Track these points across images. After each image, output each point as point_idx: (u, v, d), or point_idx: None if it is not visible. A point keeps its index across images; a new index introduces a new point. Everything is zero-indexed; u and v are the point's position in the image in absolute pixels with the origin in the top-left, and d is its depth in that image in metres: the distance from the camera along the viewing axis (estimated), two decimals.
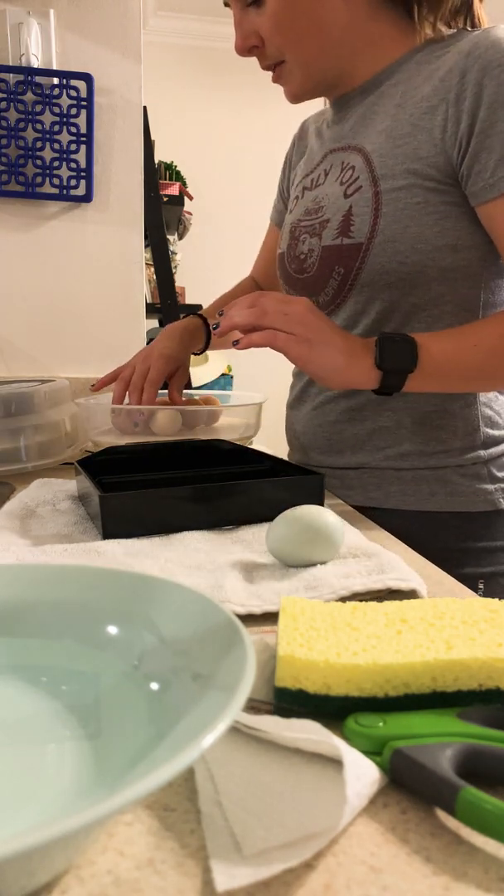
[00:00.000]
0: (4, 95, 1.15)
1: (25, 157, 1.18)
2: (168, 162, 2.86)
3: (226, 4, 0.80)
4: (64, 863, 0.23)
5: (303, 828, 0.24)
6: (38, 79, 1.16)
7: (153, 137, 1.99)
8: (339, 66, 0.79)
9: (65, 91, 1.17)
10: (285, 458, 0.91)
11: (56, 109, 1.18)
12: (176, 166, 2.87)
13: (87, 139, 1.20)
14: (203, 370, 2.51)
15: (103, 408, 0.95)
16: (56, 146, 1.19)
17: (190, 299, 3.00)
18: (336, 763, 0.28)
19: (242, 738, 0.30)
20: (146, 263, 1.92)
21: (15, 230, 1.22)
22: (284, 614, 0.37)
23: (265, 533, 0.52)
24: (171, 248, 2.74)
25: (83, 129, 1.19)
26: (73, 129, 1.19)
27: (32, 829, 0.19)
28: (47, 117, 1.18)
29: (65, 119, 1.18)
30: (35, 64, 1.16)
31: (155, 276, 1.82)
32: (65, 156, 1.19)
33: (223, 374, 2.61)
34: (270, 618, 0.43)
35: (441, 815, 0.26)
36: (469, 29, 0.76)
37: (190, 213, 3.06)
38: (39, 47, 1.16)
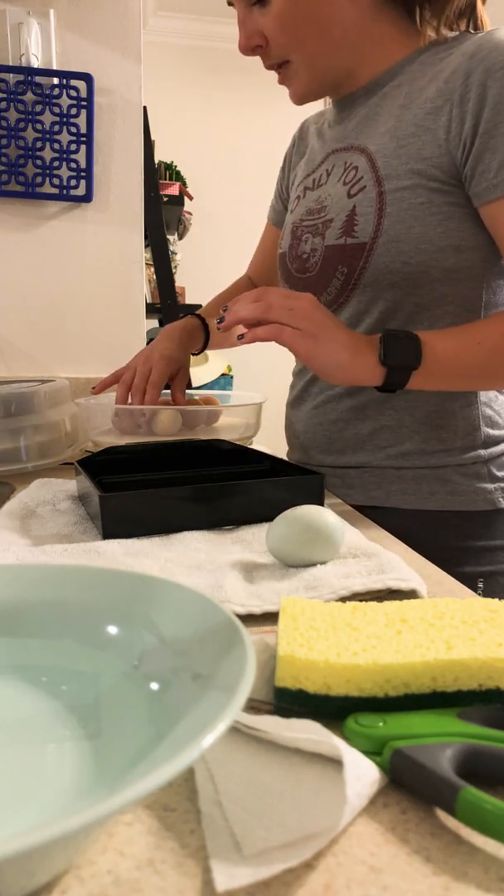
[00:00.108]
0: (4, 95, 1.15)
1: (25, 157, 1.18)
2: (168, 162, 2.86)
3: (229, 3, 0.80)
4: (64, 863, 0.23)
5: (303, 828, 0.24)
6: (38, 79, 1.16)
7: (153, 137, 1.99)
8: (343, 67, 0.79)
9: (65, 91, 1.17)
10: (285, 458, 0.91)
11: (56, 109, 1.18)
12: (176, 166, 2.87)
13: (87, 139, 1.20)
14: (203, 370, 2.51)
15: (103, 408, 0.95)
16: (56, 146, 1.19)
17: (190, 299, 3.00)
18: (336, 763, 0.28)
19: (242, 738, 0.30)
20: (146, 263, 1.92)
21: (15, 230, 1.22)
22: (284, 614, 0.37)
23: (265, 533, 0.52)
24: (171, 248, 2.74)
25: (83, 129, 1.19)
26: (73, 129, 1.19)
27: (32, 829, 0.19)
28: (47, 117, 1.18)
29: (65, 119, 1.18)
30: (35, 64, 1.16)
31: (155, 276, 1.82)
32: (65, 156, 1.19)
33: (223, 374, 2.61)
34: (270, 618, 0.43)
35: (441, 815, 0.26)
36: (472, 31, 0.77)
37: (190, 213, 3.06)
38: (39, 47, 1.16)
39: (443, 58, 0.74)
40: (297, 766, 0.28)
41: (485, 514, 0.79)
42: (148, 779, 0.20)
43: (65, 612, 0.36)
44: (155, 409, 0.88)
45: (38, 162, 1.19)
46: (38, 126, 1.18)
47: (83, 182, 1.21)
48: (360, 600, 0.46)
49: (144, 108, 1.30)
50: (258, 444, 0.95)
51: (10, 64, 1.15)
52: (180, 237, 3.14)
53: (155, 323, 2.18)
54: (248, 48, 0.78)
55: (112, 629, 0.35)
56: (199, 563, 0.51)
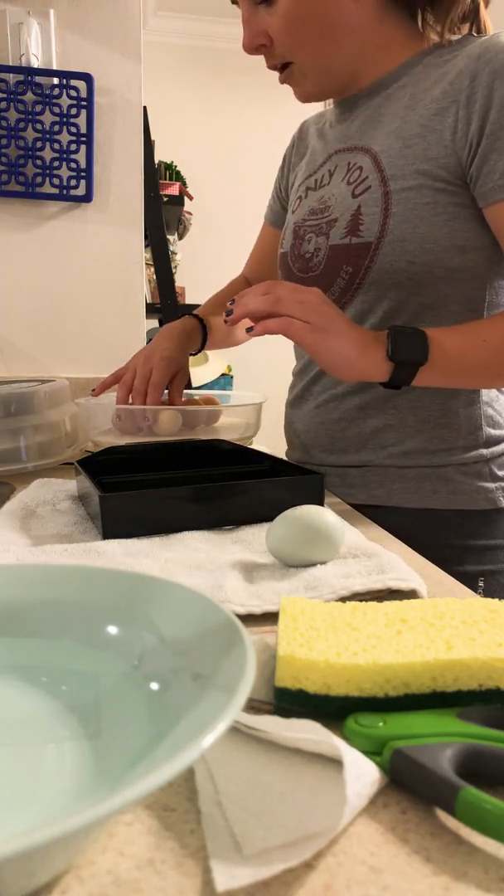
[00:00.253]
0: (4, 95, 1.15)
1: (25, 157, 1.18)
2: (168, 162, 2.86)
3: (233, 2, 0.80)
4: (64, 863, 0.23)
5: (303, 828, 0.24)
6: (38, 79, 1.16)
7: (153, 137, 1.99)
8: (347, 69, 0.79)
9: (65, 91, 1.17)
10: (284, 457, 0.91)
11: (56, 109, 1.18)
12: (176, 166, 2.87)
13: (87, 139, 1.20)
14: (203, 370, 2.51)
15: (103, 408, 0.95)
16: (56, 146, 1.19)
17: (190, 299, 3.00)
18: (336, 763, 0.28)
19: (242, 738, 0.30)
20: (146, 263, 1.92)
21: (15, 230, 1.22)
22: (284, 614, 0.37)
23: (265, 533, 0.52)
24: (171, 248, 2.74)
25: (83, 129, 1.19)
26: (73, 129, 1.19)
27: (32, 829, 0.19)
28: (47, 117, 1.18)
29: (65, 119, 1.18)
30: (35, 64, 1.16)
31: (155, 276, 1.82)
32: (65, 156, 1.19)
33: (223, 374, 2.61)
34: (270, 618, 0.43)
35: (441, 815, 0.26)
36: (475, 35, 0.77)
37: (190, 213, 3.06)
38: (39, 47, 1.16)
39: (447, 60, 0.74)
40: (297, 766, 0.28)
41: (485, 514, 0.80)
42: (148, 779, 0.20)
43: (65, 612, 0.36)
44: (157, 409, 0.89)
45: (38, 162, 1.19)
46: (38, 126, 1.18)
47: (83, 182, 1.21)
48: (360, 600, 0.46)
49: (144, 108, 1.30)
50: (258, 444, 0.95)
51: (10, 64, 1.16)
52: (180, 237, 3.14)
53: (155, 323, 2.18)
54: (252, 47, 0.78)
55: (112, 629, 0.35)
56: (199, 563, 0.51)
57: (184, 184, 2.86)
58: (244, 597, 0.45)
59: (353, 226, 0.77)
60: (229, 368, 2.69)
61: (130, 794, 0.19)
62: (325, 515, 0.51)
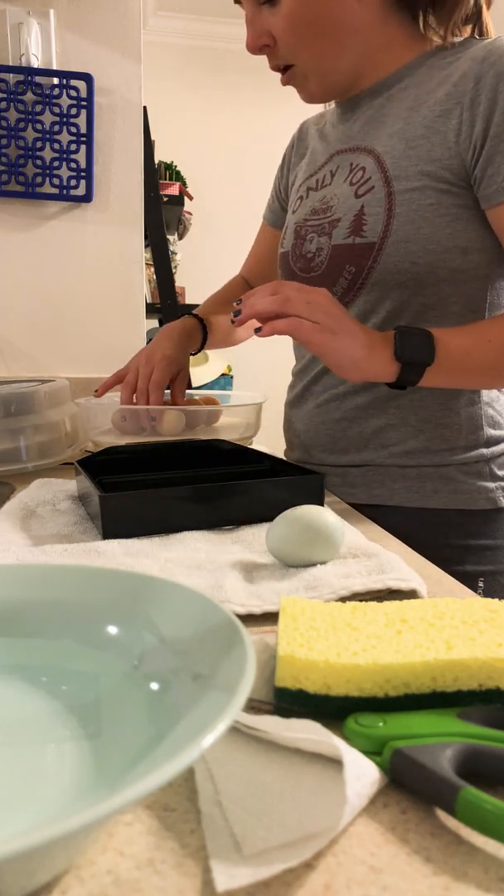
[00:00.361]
0: (4, 95, 1.15)
1: (25, 157, 1.18)
2: (168, 162, 2.86)
3: (236, 1, 0.80)
4: (64, 863, 0.23)
5: (303, 828, 0.24)
6: (38, 79, 1.16)
7: (153, 137, 1.99)
8: (350, 69, 0.79)
9: (65, 91, 1.17)
10: (284, 457, 0.91)
11: (56, 109, 1.18)
12: (176, 166, 2.87)
13: (87, 139, 1.20)
14: (203, 370, 2.51)
15: (103, 408, 0.95)
16: (56, 146, 1.19)
17: (190, 299, 3.00)
18: (336, 763, 0.28)
19: (242, 738, 0.30)
20: (146, 263, 1.92)
21: (15, 230, 1.22)
22: (284, 614, 0.37)
23: (265, 533, 0.52)
24: (171, 248, 2.74)
25: (83, 129, 1.19)
26: (73, 129, 1.19)
27: (32, 829, 0.19)
28: (47, 117, 1.18)
29: (65, 119, 1.18)
30: (35, 64, 1.16)
31: (155, 276, 1.82)
32: (65, 156, 1.19)
33: (223, 374, 2.61)
34: (270, 618, 0.43)
35: (441, 815, 0.26)
36: (477, 37, 0.77)
37: (190, 213, 3.06)
38: (39, 47, 1.16)
39: (450, 62, 0.74)
40: (297, 766, 0.28)
41: (486, 513, 0.80)
42: (148, 779, 0.20)
43: (65, 612, 0.36)
44: (161, 409, 0.89)
45: (38, 162, 1.19)
46: (38, 126, 1.18)
47: (83, 182, 1.21)
48: (360, 600, 0.46)
49: (144, 108, 1.30)
50: (258, 444, 0.95)
51: (10, 64, 1.15)
52: (180, 237, 3.14)
53: (155, 323, 2.18)
54: (255, 47, 0.78)
55: (112, 629, 0.35)
56: (199, 563, 0.51)
57: (184, 184, 2.86)
58: (244, 597, 0.45)
59: (357, 226, 0.77)
60: (229, 368, 2.69)
61: (130, 794, 0.19)
62: (325, 515, 0.51)
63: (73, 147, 1.19)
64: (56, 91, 1.17)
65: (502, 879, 0.23)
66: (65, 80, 1.17)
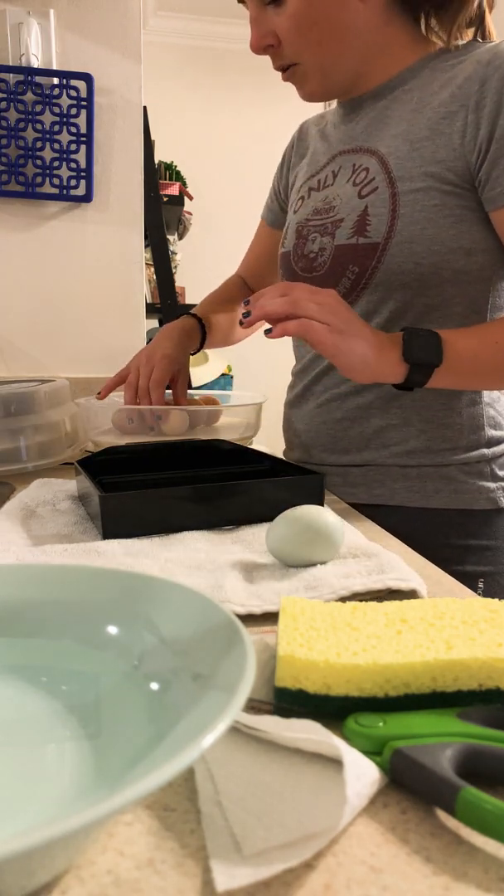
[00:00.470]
0: (4, 95, 1.15)
1: (25, 157, 1.18)
2: (168, 162, 2.86)
3: (240, 1, 0.80)
4: (64, 863, 0.23)
5: (303, 828, 0.24)
6: (38, 79, 1.16)
7: (153, 137, 1.99)
8: (353, 70, 0.80)
9: (65, 91, 1.17)
10: (283, 457, 0.91)
11: (56, 109, 1.18)
12: (176, 166, 2.87)
13: (87, 139, 1.20)
14: (203, 370, 2.51)
15: (103, 408, 0.95)
16: (56, 146, 1.19)
17: (190, 299, 3.00)
18: (336, 763, 0.28)
19: (242, 738, 0.30)
20: (146, 263, 1.92)
21: (15, 230, 1.22)
22: (284, 614, 0.37)
23: (265, 533, 0.52)
24: (171, 248, 2.74)
25: (83, 129, 1.19)
26: (73, 129, 1.19)
27: (32, 829, 0.19)
28: (47, 117, 1.18)
29: (65, 119, 1.18)
30: (35, 64, 1.16)
31: (155, 276, 1.82)
32: (65, 156, 1.19)
33: (223, 374, 2.61)
34: (270, 618, 0.43)
35: (441, 815, 0.26)
36: (480, 40, 0.78)
37: (190, 213, 3.06)
38: (39, 47, 1.16)
39: (454, 65, 0.75)
40: (297, 766, 0.28)
41: (486, 514, 0.80)
42: (148, 779, 0.20)
43: (65, 612, 0.36)
44: (162, 409, 0.89)
45: (38, 162, 1.19)
46: (38, 126, 1.18)
47: (83, 182, 1.21)
48: (360, 600, 0.46)
49: (144, 108, 1.30)
50: (258, 444, 0.95)
51: (10, 64, 1.15)
52: (180, 237, 3.14)
53: (155, 323, 2.18)
54: (259, 47, 0.78)
55: (112, 629, 0.35)
56: (199, 563, 0.51)
57: (184, 184, 2.86)
58: (244, 597, 0.45)
59: (360, 226, 0.77)
60: (229, 368, 2.69)
61: (130, 794, 0.19)
62: (325, 515, 0.51)
63: (73, 147, 1.19)
64: (56, 91, 1.17)
65: (502, 879, 0.23)
66: (65, 80, 1.17)
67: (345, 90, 0.83)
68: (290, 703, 0.32)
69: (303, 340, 0.66)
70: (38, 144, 1.18)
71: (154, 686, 0.31)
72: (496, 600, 0.39)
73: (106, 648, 0.34)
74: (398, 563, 0.50)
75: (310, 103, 0.86)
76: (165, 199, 2.42)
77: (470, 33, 0.79)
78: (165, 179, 2.72)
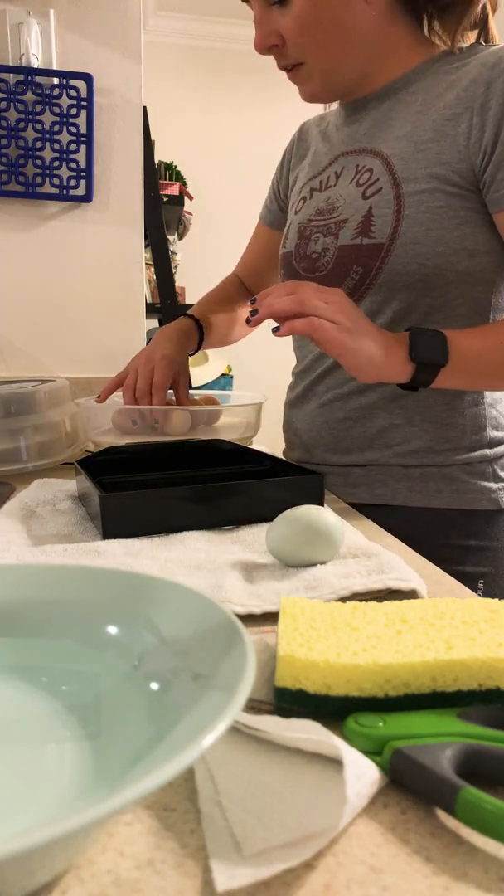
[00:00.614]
0: (4, 95, 1.15)
1: (25, 157, 1.18)
2: (168, 162, 2.86)
3: (244, 0, 0.80)
4: (64, 863, 0.23)
5: (303, 828, 0.24)
6: (38, 79, 1.16)
7: (153, 137, 1.99)
8: (357, 70, 0.80)
9: (65, 91, 1.17)
10: (283, 457, 0.91)
11: (56, 109, 1.18)
12: (176, 166, 2.87)
13: (87, 139, 1.20)
14: (203, 370, 2.51)
15: (103, 408, 0.95)
16: (56, 146, 1.19)
17: (190, 299, 3.00)
18: (336, 763, 0.28)
19: (242, 738, 0.30)
20: (146, 263, 1.92)
21: (15, 230, 1.22)
22: (284, 614, 0.37)
23: (265, 533, 0.52)
24: (171, 248, 2.74)
25: (83, 129, 1.19)
26: (73, 129, 1.19)
27: (32, 829, 0.19)
28: (47, 117, 1.18)
29: (65, 119, 1.18)
30: (35, 64, 1.16)
31: (155, 276, 1.82)
32: (65, 156, 1.19)
33: (223, 374, 2.61)
34: (270, 618, 0.43)
35: (441, 815, 0.26)
36: (483, 43, 0.78)
37: (190, 213, 3.06)
38: (39, 47, 1.16)
39: (458, 67, 0.75)
40: (297, 766, 0.28)
41: (488, 514, 0.80)
42: (148, 779, 0.20)
43: (65, 612, 0.36)
44: (167, 409, 0.89)
45: (38, 162, 1.19)
46: (38, 126, 1.18)
47: (83, 182, 1.21)
48: (360, 600, 0.46)
49: (144, 108, 1.30)
50: (258, 444, 0.95)
51: (10, 64, 1.15)
52: (180, 237, 3.14)
53: (155, 323, 2.18)
54: (264, 47, 0.78)
55: (112, 629, 0.35)
56: (199, 563, 0.51)
57: (184, 184, 2.86)
58: (244, 597, 0.45)
59: (365, 227, 0.77)
60: (229, 368, 2.69)
61: (130, 794, 0.19)
62: (325, 515, 0.51)
63: (73, 147, 1.19)
64: (56, 91, 1.17)
65: (502, 879, 0.23)
66: (65, 80, 1.17)
67: (348, 91, 0.83)
68: (290, 703, 0.32)
69: (309, 339, 0.66)
70: (38, 144, 1.18)
71: (154, 686, 0.31)
72: (496, 600, 0.39)
73: (106, 648, 0.34)
74: (398, 563, 0.50)
75: (310, 103, 0.86)
76: (165, 199, 2.42)
77: (472, 36, 0.79)
78: (165, 179, 2.72)
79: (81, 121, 1.19)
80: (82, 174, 1.21)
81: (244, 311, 1.09)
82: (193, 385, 2.32)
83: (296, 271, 0.87)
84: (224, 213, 3.40)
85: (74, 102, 1.18)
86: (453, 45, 0.77)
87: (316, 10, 0.73)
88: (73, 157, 1.20)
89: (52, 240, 1.24)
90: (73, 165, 1.20)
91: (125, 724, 0.30)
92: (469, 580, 0.78)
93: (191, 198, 2.96)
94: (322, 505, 0.63)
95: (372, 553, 0.52)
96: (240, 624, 0.30)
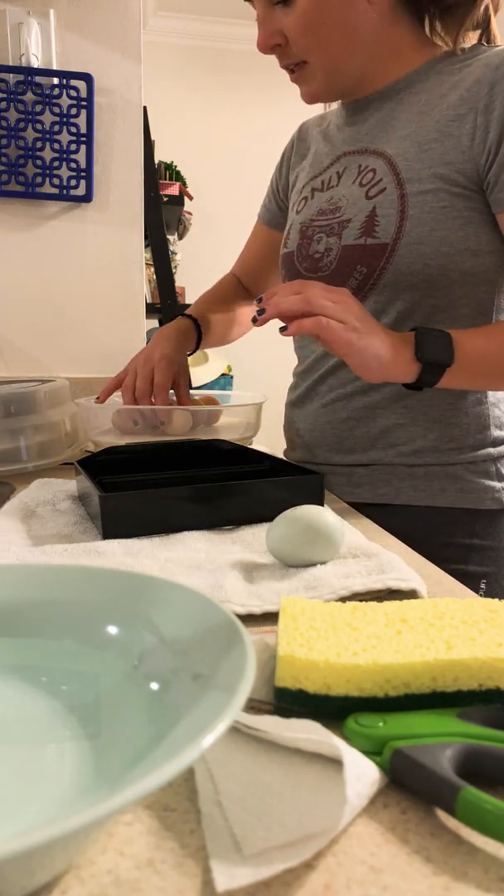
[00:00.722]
0: (4, 95, 1.15)
1: (25, 157, 1.18)
2: (168, 162, 2.86)
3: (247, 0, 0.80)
4: (64, 863, 0.23)
5: (303, 828, 0.24)
6: (38, 79, 1.16)
7: (153, 137, 1.99)
8: (359, 70, 0.80)
9: (65, 91, 1.17)
10: (283, 457, 0.91)
11: (56, 109, 1.18)
12: (176, 166, 2.87)
13: (87, 139, 1.20)
14: (203, 370, 2.51)
15: (103, 408, 0.95)
16: (56, 146, 1.19)
17: (190, 299, 2.99)
18: (336, 763, 0.28)
19: (242, 738, 0.30)
20: (146, 263, 1.92)
21: (15, 230, 1.22)
22: (284, 614, 0.37)
23: (265, 533, 0.52)
24: (171, 248, 2.74)
25: (83, 129, 1.19)
26: (73, 129, 1.19)
27: (32, 829, 0.19)
28: (47, 117, 1.18)
29: (65, 119, 1.18)
30: (35, 64, 1.16)
31: (155, 276, 1.82)
32: (65, 156, 1.19)
33: (223, 374, 2.61)
34: (270, 618, 0.43)
35: (441, 815, 0.26)
36: (485, 44, 0.78)
37: (190, 213, 3.06)
38: (39, 47, 1.16)
39: (461, 68, 0.75)
40: (297, 766, 0.28)
41: (491, 514, 0.80)
42: (148, 779, 0.20)
43: (65, 612, 0.36)
44: (164, 409, 0.89)
45: (38, 162, 1.19)
46: (38, 126, 1.17)
47: (83, 182, 1.21)
48: (360, 600, 0.46)
49: (144, 108, 1.30)
50: (258, 444, 0.95)
51: (10, 64, 1.15)
52: (180, 237, 3.14)
53: (155, 323, 2.18)
54: (266, 47, 0.78)
55: (112, 629, 0.35)
56: (199, 563, 0.51)
57: (184, 184, 2.86)
58: (244, 597, 0.45)
59: (369, 227, 0.77)
60: (229, 368, 2.69)
61: (130, 794, 0.19)
62: (325, 515, 0.51)
63: (73, 147, 1.19)
64: (56, 91, 1.17)
65: (502, 879, 0.23)
66: (65, 80, 1.17)
67: (350, 91, 0.83)
68: (290, 703, 0.32)
69: (316, 339, 0.66)
70: (38, 144, 1.18)
71: (154, 686, 0.31)
72: (496, 600, 0.39)
73: (106, 648, 0.34)
74: (398, 563, 0.50)
75: (310, 104, 0.86)
76: (165, 199, 2.42)
77: (474, 37, 0.79)
78: (165, 179, 2.72)
79: (81, 121, 1.19)
80: (82, 174, 1.21)
81: (242, 311, 1.09)
82: (193, 385, 2.32)
83: (298, 271, 0.87)
84: (224, 213, 3.40)
85: (74, 102, 1.18)
86: (455, 46, 0.77)
87: (319, 9, 0.74)
88: (73, 157, 1.20)
89: (52, 240, 1.24)
90: (73, 165, 1.20)
91: (125, 724, 0.30)
92: (471, 580, 0.78)
93: (191, 198, 2.96)
94: (322, 505, 0.63)
95: (372, 553, 0.52)
96: (240, 624, 0.30)
